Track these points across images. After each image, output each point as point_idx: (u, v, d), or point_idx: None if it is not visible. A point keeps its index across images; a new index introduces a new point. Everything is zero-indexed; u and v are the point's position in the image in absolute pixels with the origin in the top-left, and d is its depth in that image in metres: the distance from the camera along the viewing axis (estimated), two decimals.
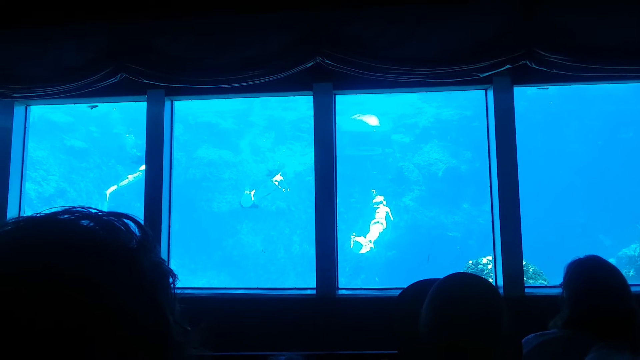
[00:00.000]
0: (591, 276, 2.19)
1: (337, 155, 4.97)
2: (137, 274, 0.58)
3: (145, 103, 5.05)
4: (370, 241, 14.35)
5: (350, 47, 4.58)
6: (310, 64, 4.64)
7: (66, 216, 0.59)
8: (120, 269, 0.57)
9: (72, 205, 0.62)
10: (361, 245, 14.31)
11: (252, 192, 14.89)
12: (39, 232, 0.56)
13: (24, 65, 4.93)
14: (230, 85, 4.76)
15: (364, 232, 14.68)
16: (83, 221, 0.59)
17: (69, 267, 0.54)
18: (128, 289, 0.56)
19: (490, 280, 3.76)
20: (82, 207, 0.61)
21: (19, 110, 5.27)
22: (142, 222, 0.63)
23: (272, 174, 15.07)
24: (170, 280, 0.63)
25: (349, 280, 13.07)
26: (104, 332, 0.52)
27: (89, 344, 0.51)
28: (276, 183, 14.85)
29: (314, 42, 4.57)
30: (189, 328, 0.63)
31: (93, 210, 0.61)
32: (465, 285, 1.53)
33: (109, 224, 0.60)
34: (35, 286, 0.51)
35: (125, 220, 0.62)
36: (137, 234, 0.61)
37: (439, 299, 1.51)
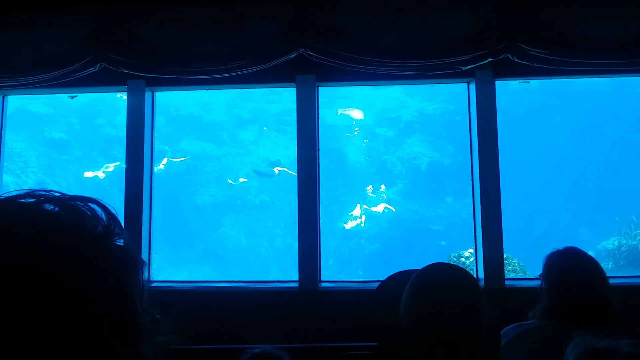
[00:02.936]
0: (569, 267, 2.21)
1: (320, 148, 4.96)
2: (103, 259, 0.56)
3: (125, 94, 4.99)
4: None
5: (333, 38, 4.56)
6: (293, 56, 4.61)
7: (28, 199, 0.57)
8: (85, 253, 0.55)
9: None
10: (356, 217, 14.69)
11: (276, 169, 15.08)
12: None
13: (1, 54, 4.83)
14: (212, 76, 4.72)
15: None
16: (46, 205, 0.57)
17: (28, 247, 0.51)
18: (93, 273, 0.54)
19: (471, 272, 3.79)
20: (45, 190, 0.58)
21: None
22: (109, 207, 0.60)
23: (273, 165, 15.07)
24: (139, 266, 0.61)
25: (332, 273, 13.10)
26: (67, 314, 0.50)
27: (50, 327, 0.49)
28: (277, 171, 14.93)
29: (297, 33, 4.55)
30: (158, 316, 0.61)
31: (57, 194, 0.59)
32: (444, 274, 1.53)
33: (73, 208, 0.58)
34: None
35: (92, 205, 0.59)
36: (104, 219, 0.59)
37: (418, 288, 1.51)
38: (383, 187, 15.46)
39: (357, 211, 14.91)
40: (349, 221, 14.95)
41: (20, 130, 14.83)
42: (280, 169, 14.91)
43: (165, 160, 14.75)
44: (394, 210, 15.01)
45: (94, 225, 0.58)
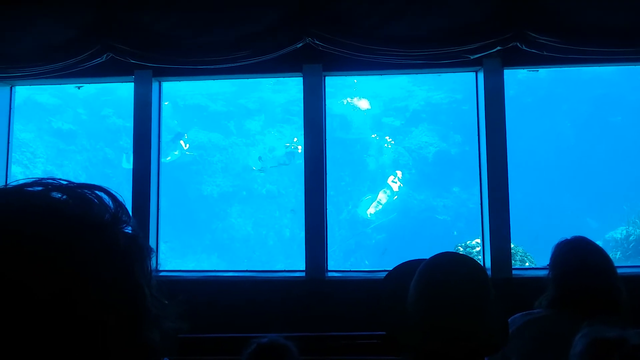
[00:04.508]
0: (575, 256, 2.21)
1: (327, 138, 4.95)
2: (111, 246, 0.56)
3: (132, 84, 4.99)
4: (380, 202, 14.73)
5: (340, 27, 4.53)
6: (299, 45, 4.59)
7: (36, 188, 0.57)
8: (92, 240, 0.55)
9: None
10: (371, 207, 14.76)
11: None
12: (2, 203, 0.54)
13: (7, 44, 4.83)
14: (219, 66, 4.71)
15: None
16: (54, 193, 0.57)
17: (35, 234, 0.52)
18: (101, 259, 0.55)
19: (479, 261, 3.79)
20: (53, 179, 0.59)
21: (3, 91, 5.19)
22: (116, 195, 0.61)
23: (288, 151, 15.09)
24: (146, 253, 0.61)
25: (338, 263, 13.14)
26: (75, 299, 0.51)
27: (59, 311, 0.49)
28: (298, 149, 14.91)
29: (304, 22, 4.52)
30: (166, 302, 0.62)
31: (64, 182, 0.59)
32: (452, 264, 1.53)
33: (81, 196, 0.58)
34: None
35: (99, 193, 0.59)
36: (112, 206, 0.60)
37: (427, 278, 1.51)
38: (399, 174, 15.43)
39: (369, 200, 14.94)
40: (366, 209, 14.98)
41: (28, 120, 14.89)
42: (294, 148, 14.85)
43: (183, 144, 14.82)
44: (401, 185, 14.97)
45: (101, 212, 0.58)
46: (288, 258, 14.39)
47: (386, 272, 1.75)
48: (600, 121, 15.60)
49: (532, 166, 14.54)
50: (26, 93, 14.19)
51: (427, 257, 1.59)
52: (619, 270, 2.24)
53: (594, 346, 1.53)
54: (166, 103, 14.77)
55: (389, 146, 15.66)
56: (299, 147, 14.67)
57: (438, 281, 1.48)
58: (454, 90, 15.65)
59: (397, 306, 1.57)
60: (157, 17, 4.73)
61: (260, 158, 15.41)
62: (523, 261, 8.74)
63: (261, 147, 16.28)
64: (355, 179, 16.00)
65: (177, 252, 14.36)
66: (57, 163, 15.85)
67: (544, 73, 13.79)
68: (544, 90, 15.26)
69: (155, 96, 5.01)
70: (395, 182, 15.00)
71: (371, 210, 14.84)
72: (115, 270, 0.55)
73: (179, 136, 14.57)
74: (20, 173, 14.09)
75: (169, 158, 13.94)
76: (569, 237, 2.32)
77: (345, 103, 15.62)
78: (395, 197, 15.00)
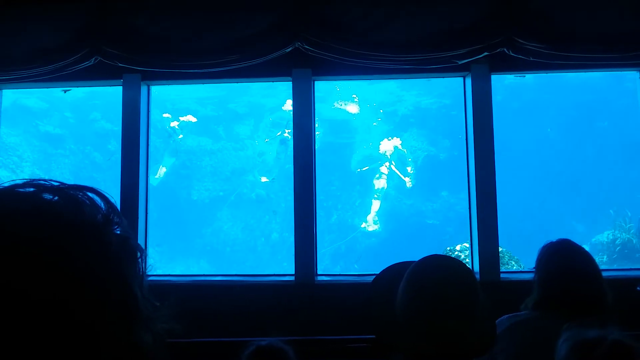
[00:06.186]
0: (561, 258, 2.24)
1: (316, 142, 4.96)
2: (102, 247, 0.56)
3: (120, 88, 4.97)
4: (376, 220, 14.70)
5: (329, 32, 4.55)
6: (289, 49, 4.61)
7: (28, 189, 0.58)
8: (84, 241, 0.55)
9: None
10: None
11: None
12: None
13: None
14: (208, 70, 4.71)
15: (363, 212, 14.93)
16: (46, 194, 0.57)
17: (27, 236, 0.52)
18: (93, 261, 0.55)
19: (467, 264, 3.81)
20: (44, 180, 0.59)
21: None
22: (108, 196, 0.61)
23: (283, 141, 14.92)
24: (138, 255, 0.61)
25: (327, 267, 13.13)
26: (67, 301, 0.51)
27: (51, 313, 0.50)
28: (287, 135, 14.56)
29: (293, 26, 4.54)
30: (158, 304, 0.62)
31: (56, 183, 0.59)
32: (440, 266, 1.54)
33: (72, 197, 0.58)
34: None
35: (90, 194, 0.60)
36: (103, 208, 0.60)
37: (416, 280, 1.52)
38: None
39: (364, 205, 14.92)
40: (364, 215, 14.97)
41: (14, 124, 14.75)
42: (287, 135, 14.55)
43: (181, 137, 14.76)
44: (405, 151, 14.84)
45: (93, 214, 0.58)
46: (277, 262, 14.35)
47: (374, 276, 1.76)
48: (587, 126, 15.76)
49: (519, 170, 14.64)
50: (13, 96, 14.05)
51: (416, 260, 1.61)
52: (606, 274, 2.27)
53: (577, 349, 1.56)
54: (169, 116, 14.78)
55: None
56: (287, 131, 14.37)
57: (427, 284, 1.50)
58: (442, 95, 15.75)
59: (386, 309, 1.58)
60: (145, 21, 4.72)
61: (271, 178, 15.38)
62: (511, 265, 8.81)
63: (251, 152, 16.25)
64: (344, 183, 16.01)
65: (166, 257, 14.27)
66: (45, 167, 15.70)
67: (531, 79, 13.92)
68: (531, 96, 15.40)
69: (143, 100, 5.00)
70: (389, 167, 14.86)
71: (373, 216, 14.77)
72: (107, 272, 0.56)
73: (174, 133, 14.55)
74: (7, 177, 13.94)
75: (157, 176, 13.92)
76: (553, 240, 2.35)
77: (334, 107, 15.65)
78: (383, 177, 14.79)
